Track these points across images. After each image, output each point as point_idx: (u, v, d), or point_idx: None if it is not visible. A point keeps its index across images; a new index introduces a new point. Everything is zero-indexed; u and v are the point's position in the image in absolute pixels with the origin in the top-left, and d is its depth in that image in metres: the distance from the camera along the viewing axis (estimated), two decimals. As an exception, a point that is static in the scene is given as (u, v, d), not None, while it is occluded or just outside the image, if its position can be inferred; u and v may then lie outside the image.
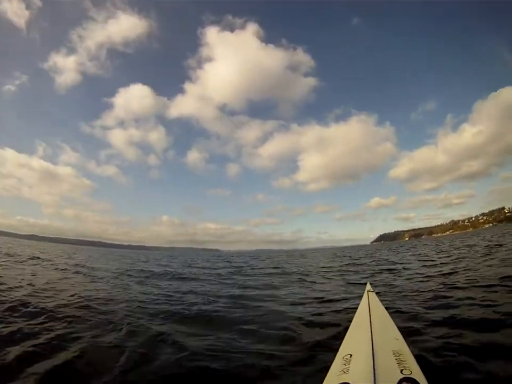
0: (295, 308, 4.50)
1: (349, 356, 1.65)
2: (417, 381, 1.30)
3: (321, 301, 4.93)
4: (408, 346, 1.73)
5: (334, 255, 24.66)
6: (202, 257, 35.75)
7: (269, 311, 4.30)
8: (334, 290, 5.93)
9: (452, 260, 9.52)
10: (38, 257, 14.38)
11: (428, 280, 5.95)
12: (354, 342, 1.88)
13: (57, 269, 10.14)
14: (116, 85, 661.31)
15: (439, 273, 6.70)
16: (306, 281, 7.80)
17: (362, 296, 2.89)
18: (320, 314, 4.02)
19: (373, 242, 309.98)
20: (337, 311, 4.05)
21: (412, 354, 1.60)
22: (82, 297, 4.95)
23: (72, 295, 5.15)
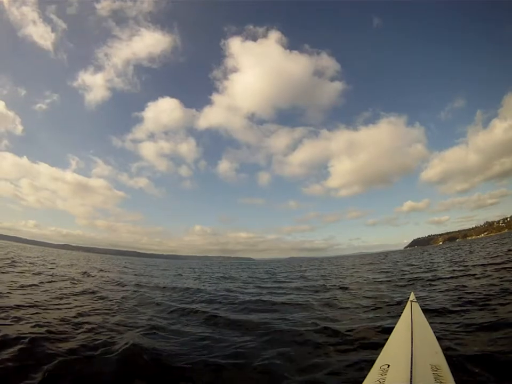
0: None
1: (387, 366, 1.64)
2: None
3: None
4: (447, 360, 1.70)
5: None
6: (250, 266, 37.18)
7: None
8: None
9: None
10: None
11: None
12: (393, 353, 1.87)
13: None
14: (145, 99, 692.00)
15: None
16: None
17: (405, 306, 2.83)
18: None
19: (406, 247, 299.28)
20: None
21: (449, 370, 1.58)
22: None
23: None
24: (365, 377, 1.62)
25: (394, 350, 1.91)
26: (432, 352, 1.78)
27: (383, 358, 1.81)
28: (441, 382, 1.41)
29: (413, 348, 1.73)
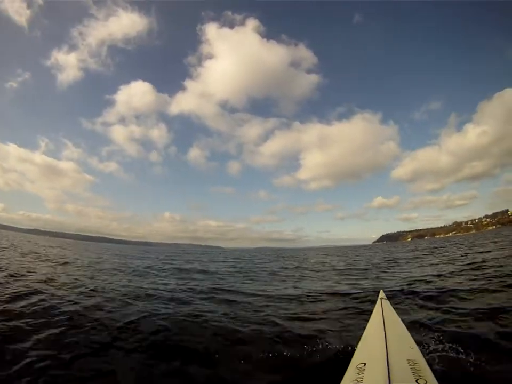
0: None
1: (363, 364, 1.63)
2: None
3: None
4: (423, 355, 1.71)
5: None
6: (224, 254, 36.27)
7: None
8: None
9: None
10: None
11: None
12: (368, 351, 1.86)
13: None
14: (117, 81, 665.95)
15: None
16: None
17: (375, 303, 2.84)
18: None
19: (375, 242, 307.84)
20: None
21: (426, 363, 1.59)
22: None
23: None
24: (341, 377, 1.60)
25: (369, 348, 1.91)
26: (407, 347, 1.80)
27: (358, 356, 1.80)
28: (419, 376, 1.42)
29: (388, 345, 1.73)
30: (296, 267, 13.48)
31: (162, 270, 11.76)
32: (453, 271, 7.49)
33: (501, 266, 7.29)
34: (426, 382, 1.39)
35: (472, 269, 7.47)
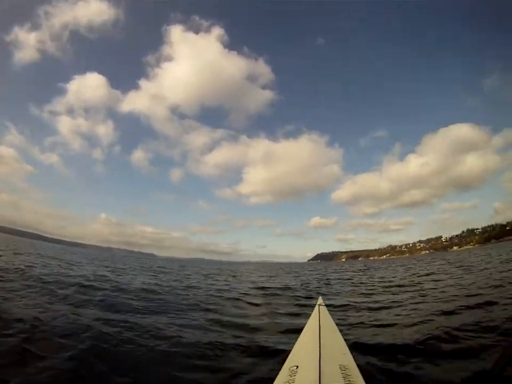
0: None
1: (295, 367, 1.64)
2: None
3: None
4: (355, 361, 1.72)
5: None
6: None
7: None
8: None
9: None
10: None
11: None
12: (302, 354, 1.88)
13: None
14: (73, 70, 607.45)
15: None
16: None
17: (313, 309, 2.88)
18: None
19: (310, 260, 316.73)
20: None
21: (358, 370, 1.60)
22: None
23: None
24: (273, 379, 1.59)
25: (303, 351, 1.94)
26: (340, 353, 1.83)
27: (291, 359, 1.83)
28: (350, 381, 1.43)
29: (321, 349, 1.73)
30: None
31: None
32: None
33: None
34: None
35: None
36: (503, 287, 6.56)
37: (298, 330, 2.54)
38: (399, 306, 5.90)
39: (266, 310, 6.24)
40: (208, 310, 5.96)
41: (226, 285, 11.74)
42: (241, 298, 7.75)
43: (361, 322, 4.70)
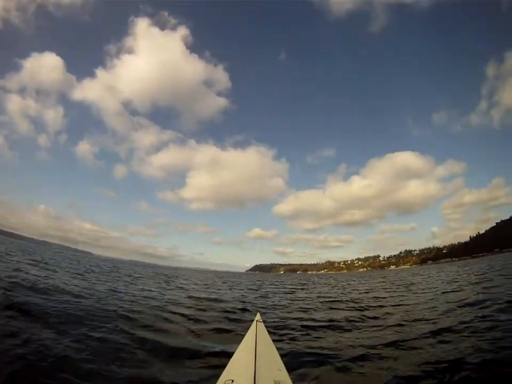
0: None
1: (231, 381, 1.66)
2: None
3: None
4: (290, 377, 1.75)
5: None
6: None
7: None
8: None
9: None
10: None
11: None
12: (237, 369, 1.90)
13: None
14: (32, 46, 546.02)
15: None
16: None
17: (250, 325, 2.85)
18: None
19: (248, 271, 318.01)
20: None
21: None
22: None
23: None
24: None
25: (238, 366, 1.94)
26: (275, 369, 1.86)
27: (227, 373, 1.82)
28: None
29: (256, 365, 1.76)
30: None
31: None
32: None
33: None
34: None
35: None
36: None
37: (227, 354, 2.55)
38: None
39: (193, 325, 5.45)
40: (127, 318, 5.17)
41: (157, 290, 10.84)
42: (166, 307, 6.94)
43: (296, 338, 4.63)
